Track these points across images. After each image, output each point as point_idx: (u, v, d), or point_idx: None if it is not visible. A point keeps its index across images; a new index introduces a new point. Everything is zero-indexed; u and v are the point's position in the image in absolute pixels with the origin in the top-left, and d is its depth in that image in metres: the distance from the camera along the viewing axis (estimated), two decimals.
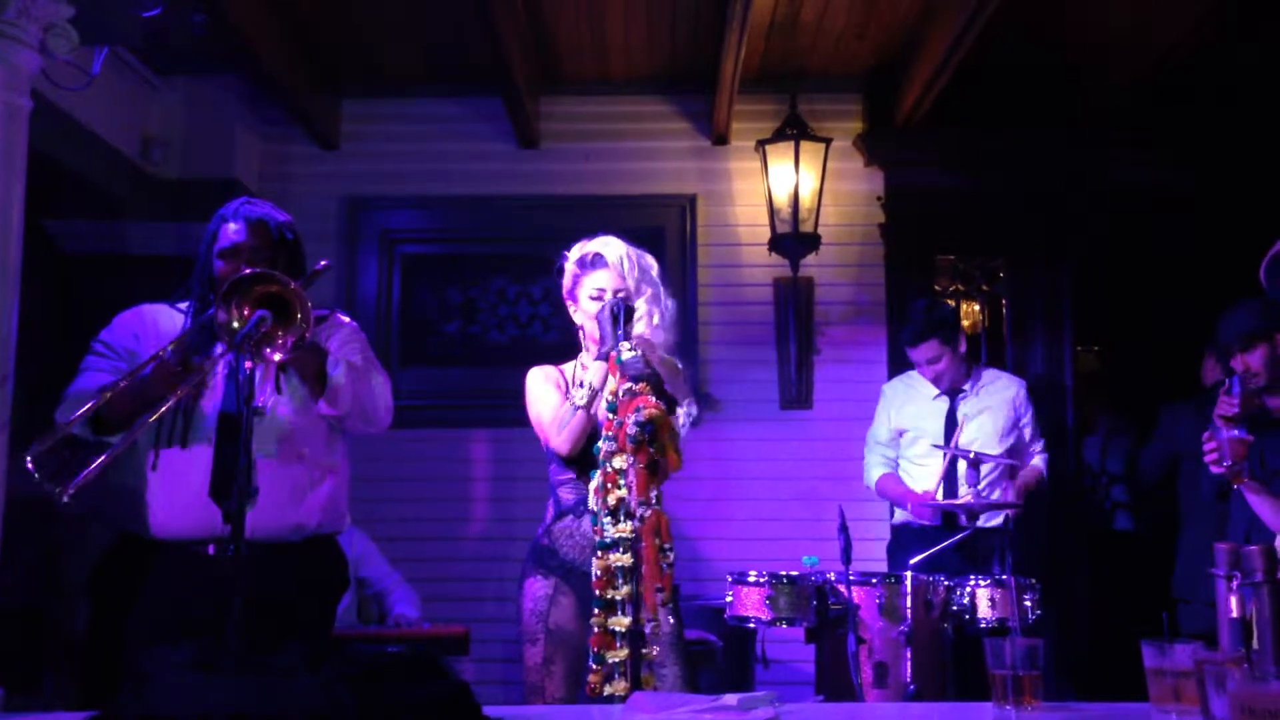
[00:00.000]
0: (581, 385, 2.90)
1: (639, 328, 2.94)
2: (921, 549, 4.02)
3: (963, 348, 4.49)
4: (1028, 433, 4.55)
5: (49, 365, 3.57)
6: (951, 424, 4.45)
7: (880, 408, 4.71)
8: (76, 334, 2.95)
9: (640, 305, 2.96)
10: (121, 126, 4.92)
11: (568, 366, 3.13)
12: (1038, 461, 4.56)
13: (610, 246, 3.00)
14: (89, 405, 2.48)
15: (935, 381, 4.52)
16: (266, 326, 2.34)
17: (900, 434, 4.59)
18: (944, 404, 4.52)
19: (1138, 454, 5.05)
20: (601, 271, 2.99)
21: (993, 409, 4.47)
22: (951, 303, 5.76)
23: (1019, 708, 1.82)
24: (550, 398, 3.01)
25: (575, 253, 3.07)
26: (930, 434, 4.49)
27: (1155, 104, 5.37)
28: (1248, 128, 5.39)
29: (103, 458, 2.30)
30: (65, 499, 2.21)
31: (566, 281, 3.09)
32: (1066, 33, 5.05)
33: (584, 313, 3.03)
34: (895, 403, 4.65)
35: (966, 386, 4.53)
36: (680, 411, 2.93)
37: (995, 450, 4.34)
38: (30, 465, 2.30)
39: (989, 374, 4.64)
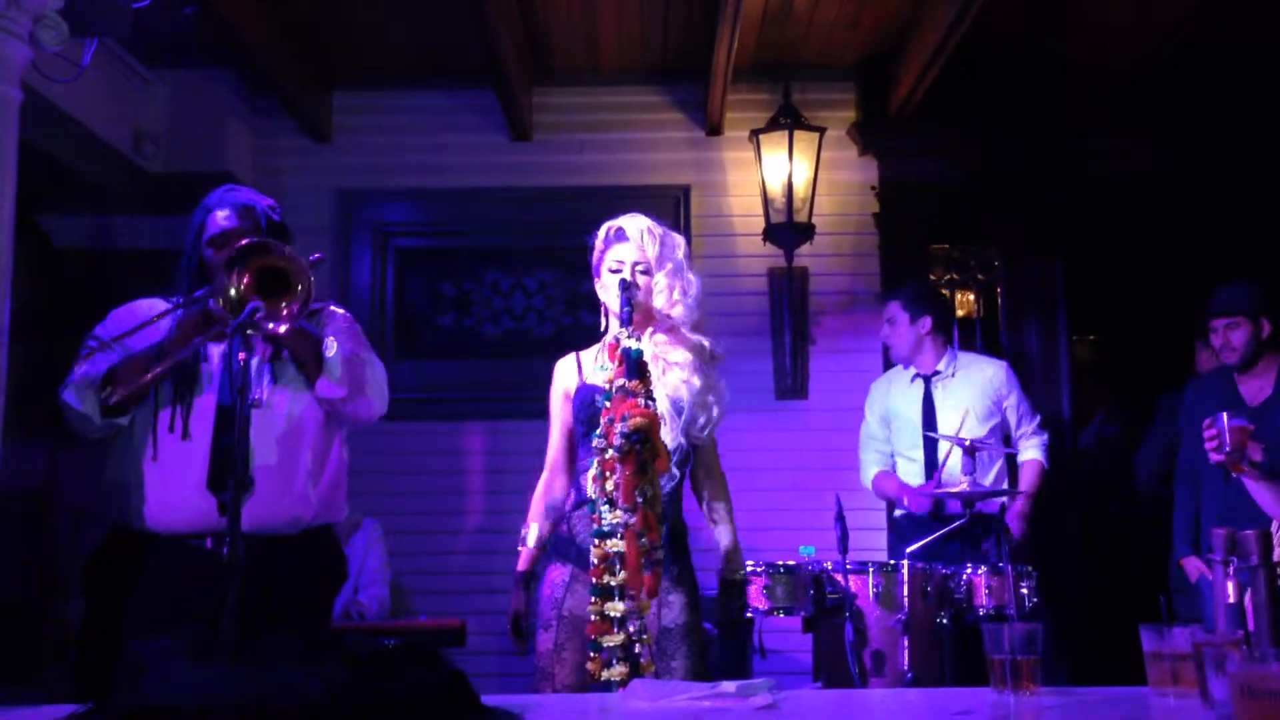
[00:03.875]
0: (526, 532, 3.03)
1: (658, 301, 2.95)
2: (923, 539, 4.03)
3: (924, 328, 4.51)
4: (1013, 415, 4.53)
5: (40, 360, 3.56)
6: (929, 407, 4.47)
7: (867, 404, 4.75)
8: (68, 328, 2.94)
9: (660, 279, 2.96)
10: (113, 120, 4.90)
11: (589, 353, 3.11)
12: (1035, 453, 4.54)
13: (632, 221, 3.01)
14: (106, 368, 2.50)
15: (890, 350, 4.65)
16: (260, 316, 2.33)
17: (889, 423, 4.60)
18: (920, 387, 4.53)
19: (1133, 460, 5.01)
20: (622, 245, 2.98)
21: (970, 392, 4.47)
22: (945, 293, 5.77)
23: (1017, 692, 1.82)
24: (555, 422, 3.10)
25: (602, 230, 3.06)
26: (910, 419, 4.51)
27: (1151, 92, 5.36)
28: (1244, 115, 5.40)
29: (158, 369, 2.46)
30: (113, 400, 2.51)
31: (594, 259, 3.08)
32: (1061, 21, 5.05)
33: (604, 286, 3.03)
34: (879, 394, 4.71)
35: (941, 368, 4.54)
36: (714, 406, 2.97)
37: (979, 434, 4.33)
38: (63, 408, 2.52)
39: (966, 357, 4.64)
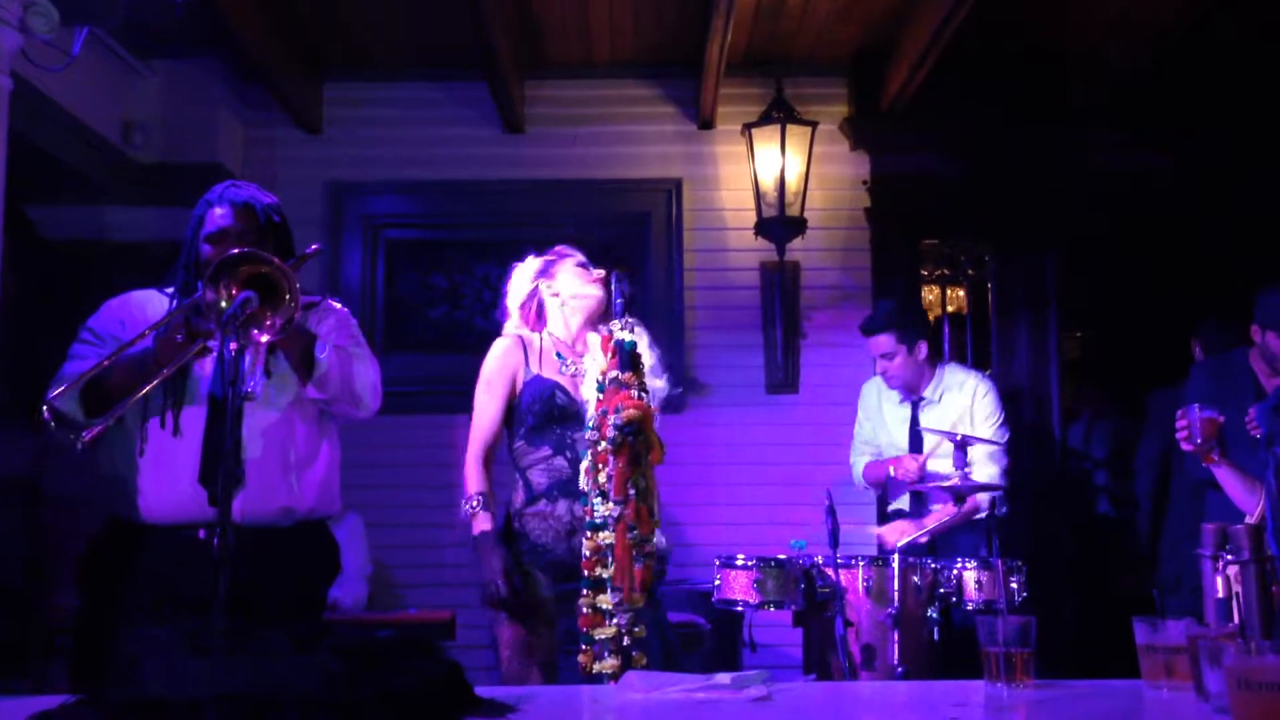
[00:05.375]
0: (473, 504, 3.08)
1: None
2: (912, 524, 4.03)
3: (922, 354, 4.34)
4: (986, 429, 4.26)
5: (29, 351, 3.54)
6: (915, 433, 4.39)
7: (860, 406, 4.66)
8: (57, 320, 2.93)
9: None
10: (102, 110, 4.87)
11: (536, 336, 3.15)
12: (986, 474, 4.22)
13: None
14: (89, 369, 2.46)
15: (886, 379, 4.43)
16: (253, 308, 2.31)
17: (879, 433, 4.56)
18: (907, 412, 4.45)
19: (1133, 461, 4.93)
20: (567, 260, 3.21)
21: (954, 414, 4.32)
22: (936, 290, 5.77)
23: (1011, 685, 1.82)
24: (493, 400, 3.13)
25: (529, 266, 3.25)
26: (896, 441, 4.44)
27: (1146, 89, 5.37)
28: (1239, 114, 5.40)
29: (122, 404, 2.40)
30: (80, 445, 2.35)
31: (525, 285, 3.21)
32: (1055, 17, 5.05)
33: (566, 291, 3.11)
34: (872, 402, 4.60)
35: (928, 393, 4.39)
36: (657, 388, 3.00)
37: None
38: (46, 414, 2.42)
39: (951, 376, 4.43)
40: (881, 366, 4.43)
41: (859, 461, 4.62)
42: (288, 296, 2.38)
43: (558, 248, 3.26)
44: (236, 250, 2.43)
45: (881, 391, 4.56)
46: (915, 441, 4.38)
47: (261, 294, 2.37)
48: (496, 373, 3.13)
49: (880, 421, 4.54)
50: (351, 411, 2.74)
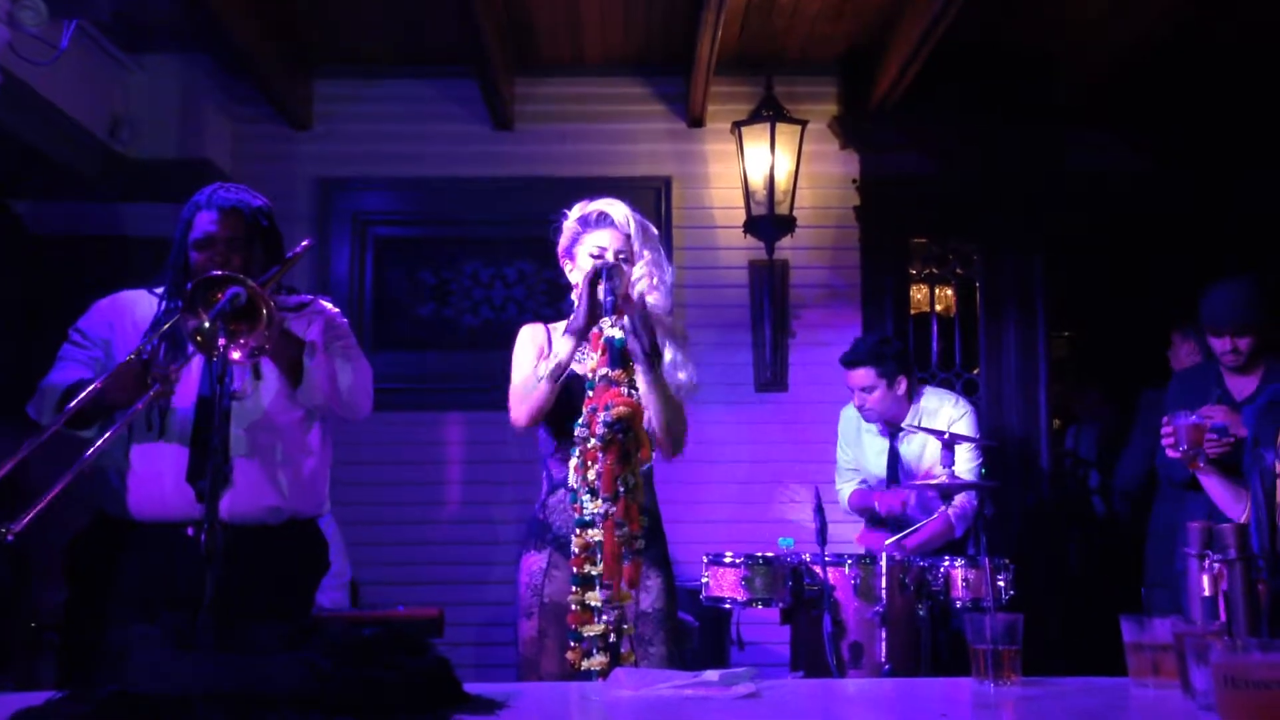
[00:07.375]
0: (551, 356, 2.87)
1: (637, 289, 2.92)
2: (894, 533, 4.04)
3: (901, 389, 4.31)
4: (960, 458, 4.18)
5: (15, 346, 3.53)
6: (894, 464, 4.38)
7: (840, 434, 4.64)
8: (44, 315, 2.92)
9: (640, 268, 2.94)
10: (90, 105, 4.84)
11: (559, 325, 3.10)
12: (952, 508, 4.16)
13: (615, 206, 2.97)
14: (75, 402, 2.45)
15: (863, 413, 4.40)
16: (241, 302, 2.30)
17: (858, 460, 4.55)
18: (885, 443, 4.43)
19: (1118, 462, 4.90)
20: (605, 230, 2.93)
21: (932, 444, 4.24)
22: (924, 288, 5.77)
23: (998, 682, 1.83)
24: (524, 364, 2.97)
25: (577, 211, 3.02)
26: (876, 473, 4.44)
27: (1131, 89, 5.39)
28: (1228, 113, 5.42)
29: (89, 451, 2.42)
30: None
31: (564, 240, 3.03)
32: (1044, 16, 5.06)
33: (580, 270, 2.99)
34: (849, 435, 4.58)
35: (905, 424, 4.34)
36: (683, 377, 2.94)
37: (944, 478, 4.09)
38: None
39: (930, 401, 4.39)
40: (859, 399, 4.39)
41: (845, 489, 4.61)
42: (265, 314, 2.36)
43: (594, 210, 2.98)
44: (215, 273, 2.41)
45: (860, 420, 4.51)
46: (895, 472, 4.37)
47: (239, 313, 2.36)
48: (521, 351, 3.00)
49: (860, 449, 4.53)
50: (342, 415, 2.73)
